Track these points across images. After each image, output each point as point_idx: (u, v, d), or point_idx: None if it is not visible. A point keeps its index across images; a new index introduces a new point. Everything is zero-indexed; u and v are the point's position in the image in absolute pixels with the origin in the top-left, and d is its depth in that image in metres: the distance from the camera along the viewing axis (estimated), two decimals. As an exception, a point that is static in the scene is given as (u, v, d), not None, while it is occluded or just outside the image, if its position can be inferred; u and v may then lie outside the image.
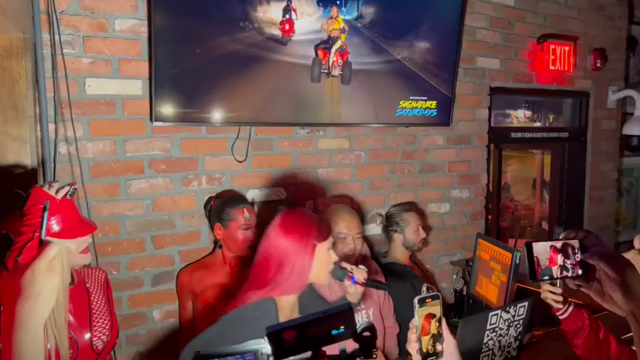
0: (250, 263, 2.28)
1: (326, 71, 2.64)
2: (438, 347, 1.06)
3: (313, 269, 1.67)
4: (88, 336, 1.65)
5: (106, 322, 1.73)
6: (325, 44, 2.62)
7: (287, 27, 2.45)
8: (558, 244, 0.96)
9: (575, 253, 0.95)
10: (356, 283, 1.72)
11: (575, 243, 0.95)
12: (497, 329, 1.75)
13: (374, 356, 1.09)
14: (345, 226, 2.37)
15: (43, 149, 2.03)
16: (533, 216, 5.28)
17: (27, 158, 1.91)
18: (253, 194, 2.61)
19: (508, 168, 4.91)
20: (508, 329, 1.78)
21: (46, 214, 1.17)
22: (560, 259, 0.96)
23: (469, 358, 1.74)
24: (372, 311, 2.46)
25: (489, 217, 3.71)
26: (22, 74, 1.88)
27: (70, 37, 2.11)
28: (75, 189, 1.53)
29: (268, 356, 0.96)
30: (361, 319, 2.42)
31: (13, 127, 1.88)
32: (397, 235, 2.84)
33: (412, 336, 1.03)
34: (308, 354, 1.00)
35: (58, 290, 1.21)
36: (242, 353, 0.94)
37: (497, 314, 1.73)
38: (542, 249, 0.97)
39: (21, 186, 1.82)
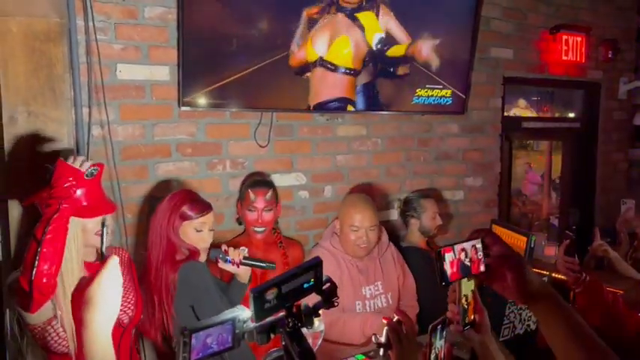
0: (264, 247, 2.38)
1: None
2: (473, 317, 1.17)
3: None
4: None
5: (130, 297, 1.80)
6: None
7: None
8: (466, 245, 1.00)
9: (478, 252, 1.00)
10: (231, 263, 1.89)
11: (478, 243, 1.00)
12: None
13: (335, 304, 1.16)
14: (358, 218, 2.38)
15: (77, 132, 2.11)
16: (540, 211, 5.33)
17: (64, 139, 1.99)
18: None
19: (516, 162, 4.95)
20: (528, 303, 1.84)
21: (104, 230, 1.28)
22: (466, 260, 1.00)
23: (491, 331, 1.81)
24: (390, 295, 2.52)
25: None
26: (59, 58, 1.95)
27: (103, 23, 2.18)
28: (96, 170, 1.57)
29: (244, 322, 1.02)
30: (381, 303, 2.48)
31: (52, 109, 1.95)
32: (414, 220, 2.90)
33: (454, 307, 1.12)
34: (282, 312, 1.06)
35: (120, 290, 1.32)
36: (221, 322, 1.00)
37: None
38: (456, 253, 1.01)
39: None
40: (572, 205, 4.27)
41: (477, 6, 3.11)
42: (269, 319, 1.02)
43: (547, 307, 0.93)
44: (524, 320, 1.86)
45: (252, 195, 2.39)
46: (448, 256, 0.99)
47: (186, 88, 2.30)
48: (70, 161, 1.50)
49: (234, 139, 2.57)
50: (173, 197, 1.94)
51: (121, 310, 1.73)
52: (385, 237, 2.66)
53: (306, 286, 1.06)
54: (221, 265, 1.92)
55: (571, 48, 3.75)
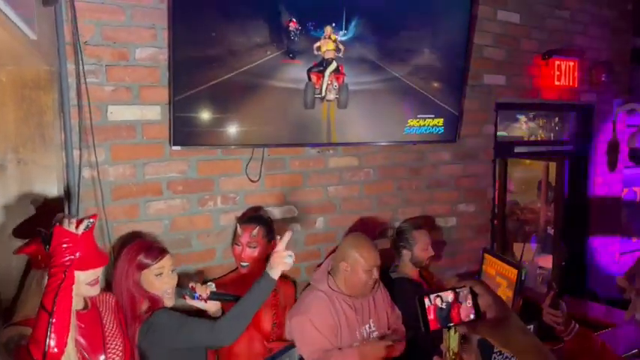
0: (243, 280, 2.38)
1: (320, 96, 2.61)
2: None
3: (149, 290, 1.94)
4: (102, 358, 1.75)
5: (119, 343, 1.82)
6: (319, 67, 2.59)
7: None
8: (448, 294, 1.00)
9: (464, 300, 1.00)
10: (198, 299, 1.94)
11: (463, 290, 1.00)
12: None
13: None
14: (372, 258, 2.40)
15: (67, 174, 2.12)
16: (538, 220, 5.32)
17: (54, 184, 2.01)
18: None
19: (512, 169, 4.93)
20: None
21: None
22: (445, 307, 1.00)
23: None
24: (382, 332, 2.54)
25: (495, 222, 3.71)
26: (49, 105, 1.97)
27: (94, 66, 2.20)
28: (92, 222, 1.61)
29: None
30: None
31: (41, 155, 1.97)
32: (406, 251, 2.91)
33: None
34: None
35: None
36: None
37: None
38: (432, 300, 1.00)
39: (48, 211, 1.92)
40: (565, 225, 4.28)
41: (469, 34, 3.12)
42: None
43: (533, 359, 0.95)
44: (510, 368, 1.87)
45: (239, 229, 2.42)
46: (426, 302, 1.00)
47: (178, 127, 2.32)
48: (65, 224, 1.50)
49: (226, 174, 2.58)
50: (128, 252, 1.99)
51: (108, 356, 1.76)
52: None
53: None
54: (189, 301, 1.97)
55: (563, 73, 3.76)
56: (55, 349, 1.44)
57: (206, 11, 2.28)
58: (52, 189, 2.00)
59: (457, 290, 1.00)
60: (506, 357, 1.85)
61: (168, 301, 1.98)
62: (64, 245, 1.49)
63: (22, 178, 1.95)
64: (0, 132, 1.91)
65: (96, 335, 1.76)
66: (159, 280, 1.97)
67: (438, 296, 1.01)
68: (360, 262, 2.38)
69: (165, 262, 1.99)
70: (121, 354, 1.81)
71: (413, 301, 2.75)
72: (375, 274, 2.42)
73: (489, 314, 0.98)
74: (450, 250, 3.44)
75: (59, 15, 2.05)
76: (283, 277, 2.65)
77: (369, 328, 2.51)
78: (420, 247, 2.89)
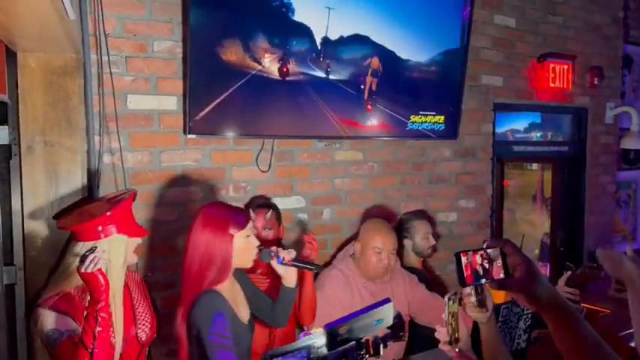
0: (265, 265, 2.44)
1: None
2: (457, 334, 1.30)
3: (235, 256, 1.83)
4: (134, 331, 1.84)
5: (147, 316, 1.92)
6: None
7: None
8: (480, 252, 1.08)
9: (495, 260, 1.08)
10: (282, 263, 1.89)
11: (496, 250, 1.09)
12: (507, 321, 1.92)
13: (403, 339, 1.29)
14: (381, 241, 2.51)
15: (89, 159, 2.22)
16: (533, 230, 5.45)
17: (78, 167, 2.10)
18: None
19: (509, 183, 5.06)
20: (518, 322, 1.95)
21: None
22: (484, 265, 1.08)
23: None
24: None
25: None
26: (75, 91, 2.08)
27: (115, 57, 2.31)
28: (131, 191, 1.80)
29: (318, 348, 1.15)
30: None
31: (67, 138, 2.07)
32: (407, 241, 3.01)
33: (442, 329, 1.25)
34: (352, 343, 1.19)
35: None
36: (298, 349, 1.13)
37: (508, 307, 1.90)
38: (470, 258, 1.08)
39: (73, 192, 2.01)
40: (561, 226, 4.40)
41: (467, 36, 3.26)
42: (341, 347, 1.15)
43: (557, 315, 1.02)
44: (514, 338, 1.96)
45: (252, 214, 2.48)
46: (463, 260, 1.07)
47: (192, 117, 2.42)
48: (89, 268, 1.52)
49: (237, 164, 2.68)
50: (211, 220, 1.84)
51: (139, 328, 1.85)
52: (397, 262, 2.73)
53: (376, 323, 1.19)
54: (274, 264, 1.91)
55: (558, 75, 3.91)
56: None
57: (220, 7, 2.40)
58: (77, 171, 2.09)
59: (488, 250, 1.09)
60: (511, 327, 1.94)
61: (248, 264, 1.91)
62: (97, 292, 1.54)
63: (49, 159, 2.04)
64: (29, 115, 2.01)
65: (127, 310, 1.85)
66: (247, 241, 1.88)
67: (476, 255, 1.08)
68: (371, 243, 2.49)
69: (251, 222, 1.93)
70: (149, 325, 1.91)
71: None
72: (385, 257, 2.49)
73: (518, 273, 1.05)
74: (452, 245, 3.53)
75: (83, 6, 2.16)
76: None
77: None
78: (421, 236, 2.99)
